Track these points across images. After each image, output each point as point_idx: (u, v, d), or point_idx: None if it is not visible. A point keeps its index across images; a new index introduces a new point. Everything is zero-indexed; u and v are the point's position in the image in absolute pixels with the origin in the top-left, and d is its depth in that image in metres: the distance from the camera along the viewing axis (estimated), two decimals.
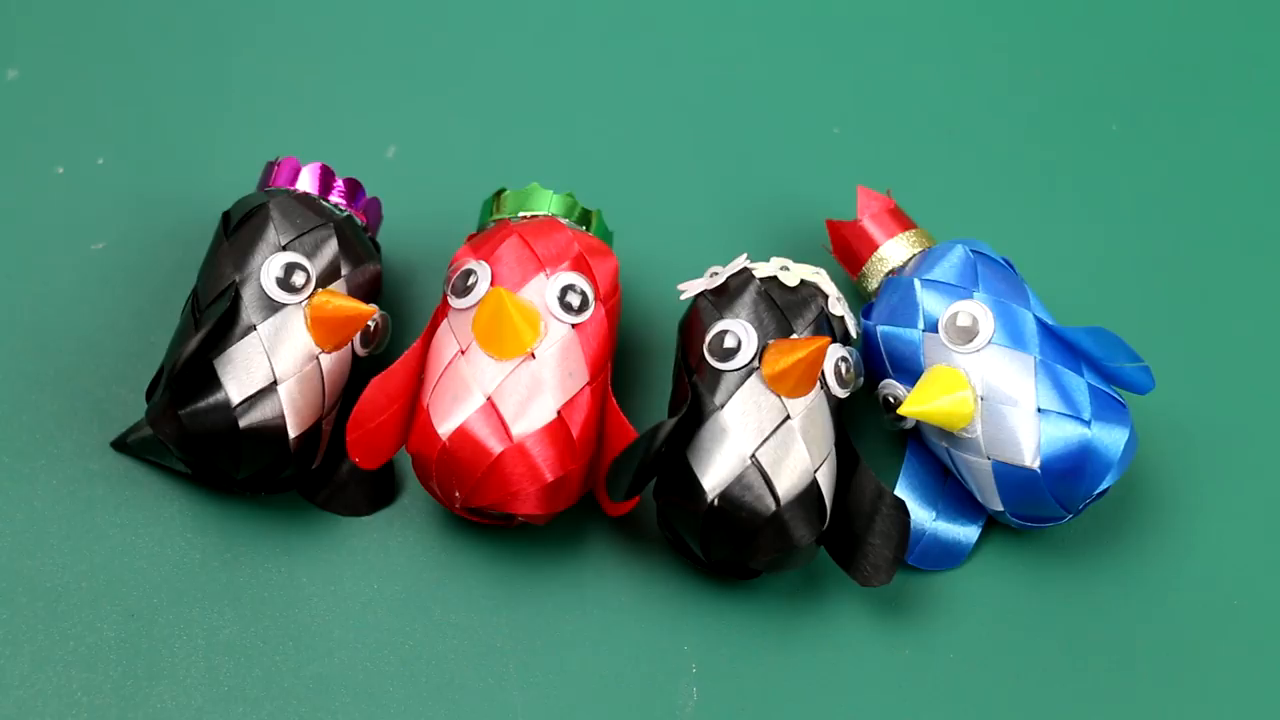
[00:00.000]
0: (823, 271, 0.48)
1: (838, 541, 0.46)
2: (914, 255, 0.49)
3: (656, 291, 0.53)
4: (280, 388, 0.45)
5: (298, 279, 0.46)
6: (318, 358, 0.46)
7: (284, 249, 0.47)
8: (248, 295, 0.46)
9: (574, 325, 0.46)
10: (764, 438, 0.45)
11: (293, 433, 0.45)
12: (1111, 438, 0.45)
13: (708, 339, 0.46)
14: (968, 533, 0.49)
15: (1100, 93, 0.58)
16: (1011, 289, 0.47)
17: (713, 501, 0.44)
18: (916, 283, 0.47)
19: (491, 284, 0.46)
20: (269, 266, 0.46)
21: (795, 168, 0.56)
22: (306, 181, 0.49)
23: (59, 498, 0.48)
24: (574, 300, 0.47)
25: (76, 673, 0.45)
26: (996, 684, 0.47)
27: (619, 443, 0.45)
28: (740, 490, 0.44)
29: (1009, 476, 0.45)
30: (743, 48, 0.58)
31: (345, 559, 0.48)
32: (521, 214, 0.49)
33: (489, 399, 0.45)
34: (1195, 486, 0.50)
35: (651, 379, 0.51)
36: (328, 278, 0.47)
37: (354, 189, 0.50)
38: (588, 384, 0.46)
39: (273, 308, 0.46)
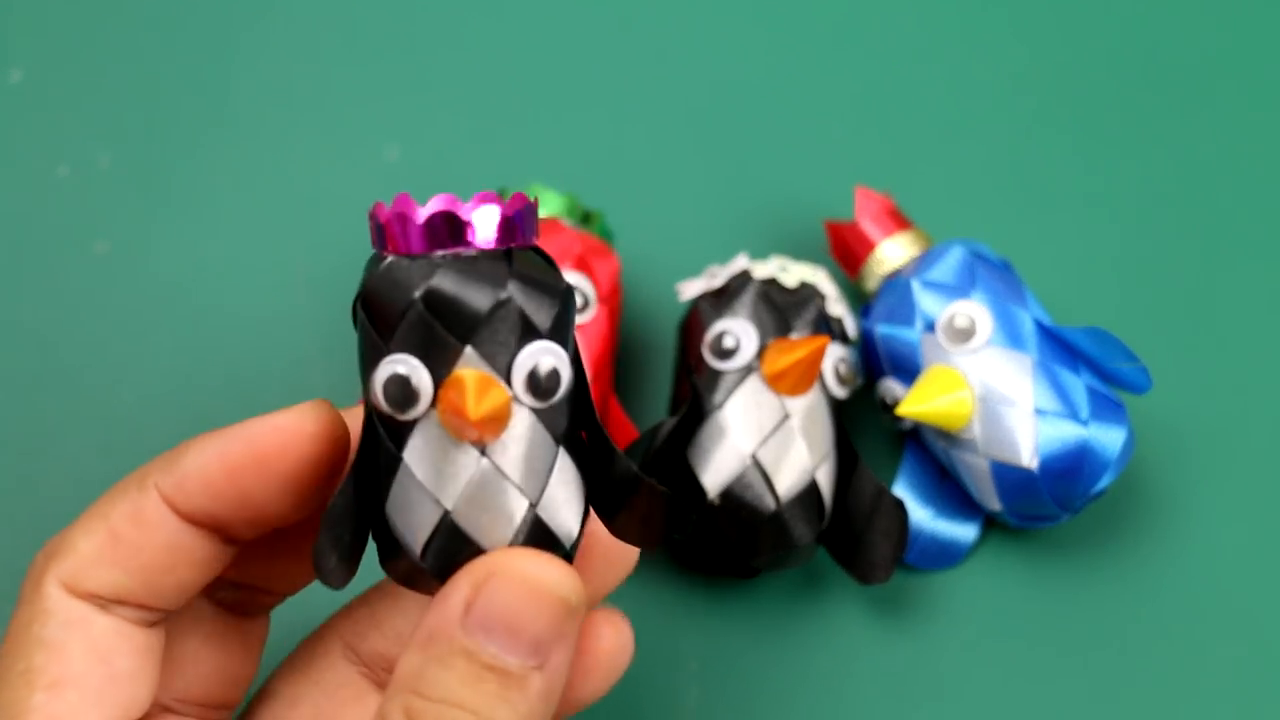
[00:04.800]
0: (822, 271, 0.48)
1: (837, 540, 0.47)
2: (912, 256, 0.49)
3: (656, 291, 0.53)
4: None
5: None
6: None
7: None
8: None
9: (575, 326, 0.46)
10: (764, 437, 0.45)
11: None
12: (1109, 438, 0.45)
13: (707, 339, 0.46)
14: (966, 532, 0.49)
15: (1100, 93, 0.58)
16: (1009, 289, 0.47)
17: (713, 501, 0.44)
18: (915, 283, 0.48)
19: None
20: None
21: (795, 168, 0.56)
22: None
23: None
24: (576, 301, 0.47)
25: None
26: (996, 683, 0.47)
27: (620, 443, 0.46)
28: (740, 489, 0.44)
29: (1007, 476, 0.46)
30: (743, 48, 0.58)
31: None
32: None
33: None
34: (1192, 486, 0.50)
35: (651, 379, 0.52)
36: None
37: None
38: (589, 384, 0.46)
39: None
